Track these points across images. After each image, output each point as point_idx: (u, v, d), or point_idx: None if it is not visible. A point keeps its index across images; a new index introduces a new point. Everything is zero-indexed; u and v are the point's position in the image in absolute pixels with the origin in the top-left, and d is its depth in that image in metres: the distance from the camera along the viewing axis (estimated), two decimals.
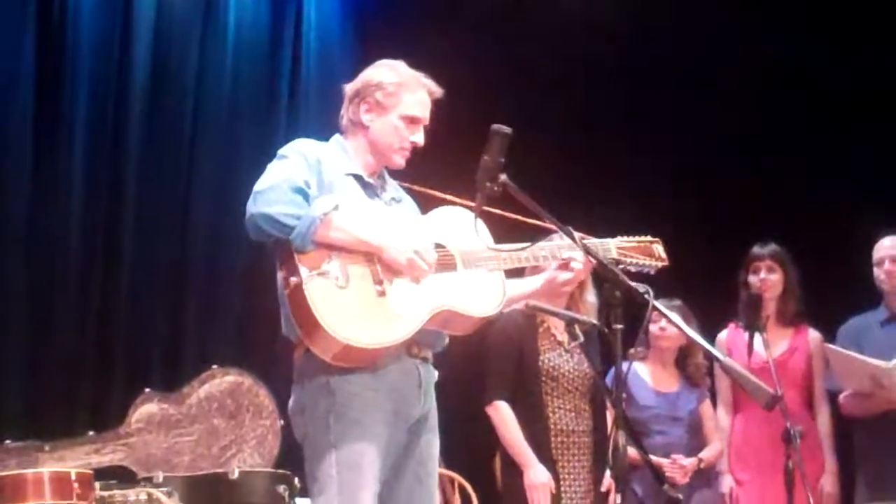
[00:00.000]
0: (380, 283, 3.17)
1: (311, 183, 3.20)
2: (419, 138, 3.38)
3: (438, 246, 3.30)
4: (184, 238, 5.80)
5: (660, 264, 3.52)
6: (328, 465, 3.14)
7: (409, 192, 3.57)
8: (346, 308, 3.11)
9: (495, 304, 3.33)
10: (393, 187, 3.48)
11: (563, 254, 3.40)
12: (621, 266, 3.38)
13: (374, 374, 3.19)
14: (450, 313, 3.25)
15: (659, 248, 3.53)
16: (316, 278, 3.11)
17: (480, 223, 3.24)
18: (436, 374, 3.38)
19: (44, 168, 5.40)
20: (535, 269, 3.59)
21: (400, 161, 3.39)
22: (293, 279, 3.12)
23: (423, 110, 3.38)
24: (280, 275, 3.20)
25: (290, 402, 3.31)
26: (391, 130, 3.35)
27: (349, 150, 3.38)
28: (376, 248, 3.18)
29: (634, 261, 3.46)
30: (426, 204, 3.55)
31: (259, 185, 3.16)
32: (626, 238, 3.51)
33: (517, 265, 3.38)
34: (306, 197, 3.16)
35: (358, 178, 3.34)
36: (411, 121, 3.36)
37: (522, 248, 3.36)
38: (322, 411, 3.17)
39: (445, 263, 3.28)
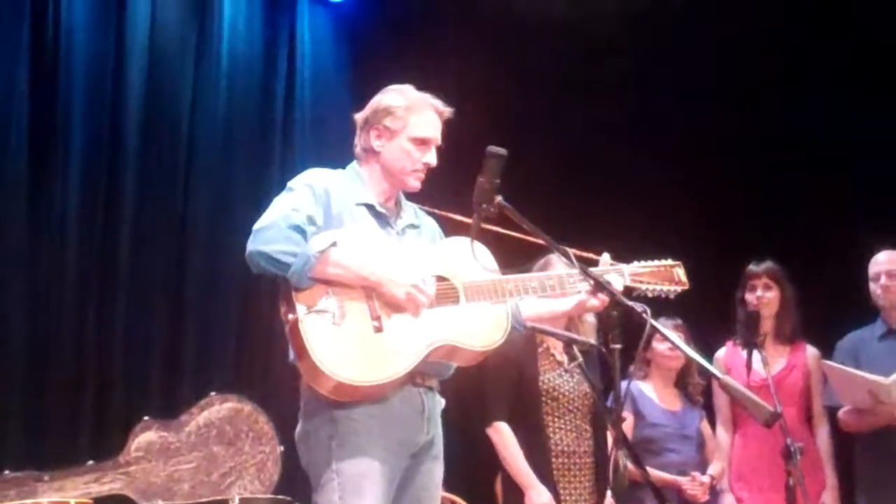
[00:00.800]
0: (377, 318, 3.16)
1: (316, 216, 3.20)
2: (431, 159, 3.36)
3: (441, 278, 3.28)
4: (181, 264, 5.78)
5: (679, 289, 3.44)
6: (331, 490, 3.15)
7: (431, 214, 3.54)
8: (340, 345, 3.11)
9: (498, 336, 3.30)
10: (410, 213, 3.46)
11: (571, 281, 3.33)
12: (636, 294, 3.34)
13: (377, 402, 3.18)
14: (450, 347, 3.24)
15: (679, 272, 3.45)
16: (311, 315, 3.11)
17: (481, 247, 3.24)
18: (442, 402, 3.37)
19: (40, 193, 5.37)
20: None
21: (415, 184, 3.37)
22: (291, 315, 3.13)
23: (433, 131, 3.36)
24: (281, 310, 3.20)
25: (297, 429, 3.31)
26: (402, 154, 3.34)
27: (364, 178, 3.37)
28: (374, 283, 3.17)
29: (651, 286, 3.39)
30: (448, 227, 3.55)
31: (259, 223, 3.16)
32: (642, 263, 3.43)
33: (524, 295, 3.33)
34: (304, 234, 3.15)
35: (370, 207, 3.33)
36: (421, 142, 3.35)
37: (529, 278, 3.33)
38: (325, 438, 3.18)
39: (447, 296, 3.26)
